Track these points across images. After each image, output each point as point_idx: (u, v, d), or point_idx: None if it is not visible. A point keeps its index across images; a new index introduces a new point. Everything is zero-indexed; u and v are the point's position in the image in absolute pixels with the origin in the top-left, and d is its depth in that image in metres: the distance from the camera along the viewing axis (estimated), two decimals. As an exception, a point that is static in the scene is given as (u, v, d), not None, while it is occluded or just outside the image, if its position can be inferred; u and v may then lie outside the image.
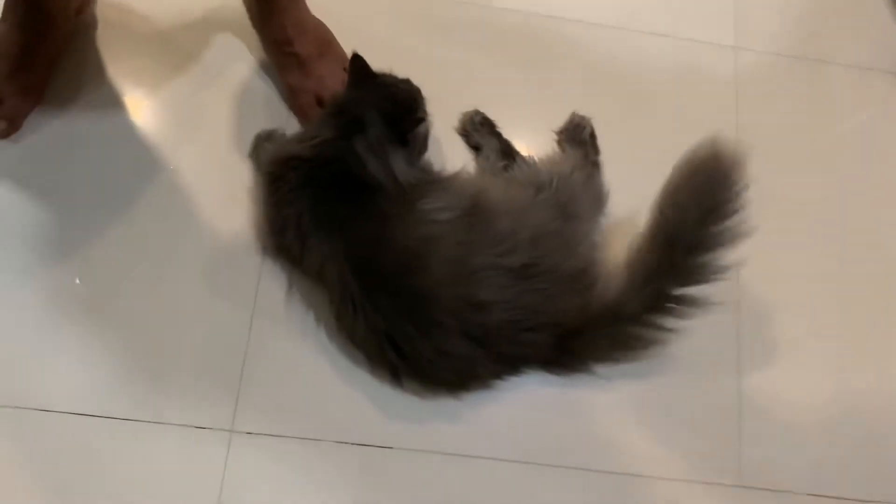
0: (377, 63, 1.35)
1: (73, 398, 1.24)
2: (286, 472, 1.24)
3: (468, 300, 1.18)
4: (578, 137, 1.45)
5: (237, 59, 1.49)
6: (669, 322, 1.23)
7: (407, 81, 1.36)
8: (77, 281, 1.31)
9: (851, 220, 1.53)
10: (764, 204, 1.49)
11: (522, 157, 1.42)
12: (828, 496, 1.33)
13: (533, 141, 1.47)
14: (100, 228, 1.34)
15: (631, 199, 1.44)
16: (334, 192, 1.23)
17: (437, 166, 1.35)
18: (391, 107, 1.28)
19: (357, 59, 1.32)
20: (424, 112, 1.33)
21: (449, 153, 1.44)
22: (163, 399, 1.25)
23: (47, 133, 1.40)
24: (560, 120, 1.49)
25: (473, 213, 1.23)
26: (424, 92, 1.37)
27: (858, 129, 1.62)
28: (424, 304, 1.18)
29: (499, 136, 1.46)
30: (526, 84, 1.55)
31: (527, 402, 1.30)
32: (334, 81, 1.40)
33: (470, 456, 1.27)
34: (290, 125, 1.44)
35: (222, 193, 1.39)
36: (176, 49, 1.49)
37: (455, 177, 1.33)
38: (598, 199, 1.40)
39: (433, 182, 1.29)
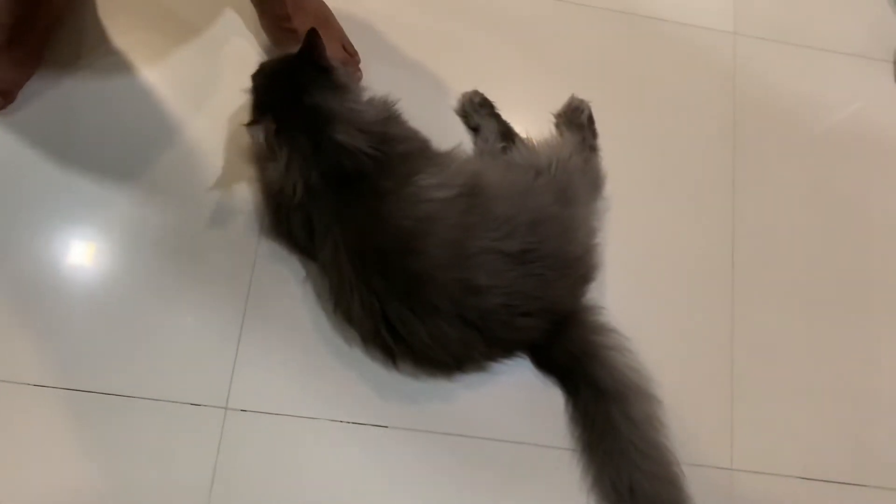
0: (378, 40, 1.36)
1: (69, 374, 1.24)
2: (280, 449, 1.24)
3: (465, 284, 1.18)
4: (576, 121, 1.45)
5: (236, 34, 1.48)
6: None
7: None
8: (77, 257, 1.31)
9: (846, 205, 1.54)
10: (759, 189, 1.51)
11: (521, 140, 1.42)
12: (817, 479, 1.34)
13: (531, 123, 1.47)
14: (95, 205, 1.34)
15: (628, 183, 1.45)
16: (330, 178, 1.22)
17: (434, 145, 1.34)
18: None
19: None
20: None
21: (448, 133, 1.42)
22: (158, 376, 1.25)
23: (42, 106, 1.38)
24: (559, 103, 1.49)
25: (472, 194, 1.22)
26: (424, 71, 1.38)
27: (854, 117, 1.62)
28: (421, 287, 1.18)
29: (498, 117, 1.46)
30: (526, 66, 1.55)
31: (520, 383, 1.31)
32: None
33: (464, 436, 1.28)
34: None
35: (219, 168, 1.38)
36: (175, 21, 1.48)
37: (450, 154, 1.31)
38: (595, 183, 1.40)
39: (427, 157, 1.28)
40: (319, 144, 1.21)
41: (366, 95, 1.29)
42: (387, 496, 1.24)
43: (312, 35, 1.24)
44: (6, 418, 1.21)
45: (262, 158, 1.29)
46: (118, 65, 1.43)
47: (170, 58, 1.45)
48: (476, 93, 1.47)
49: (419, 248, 1.18)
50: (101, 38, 1.44)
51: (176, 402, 1.24)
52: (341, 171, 1.20)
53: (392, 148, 1.23)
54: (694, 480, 1.27)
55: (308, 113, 1.22)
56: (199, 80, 1.44)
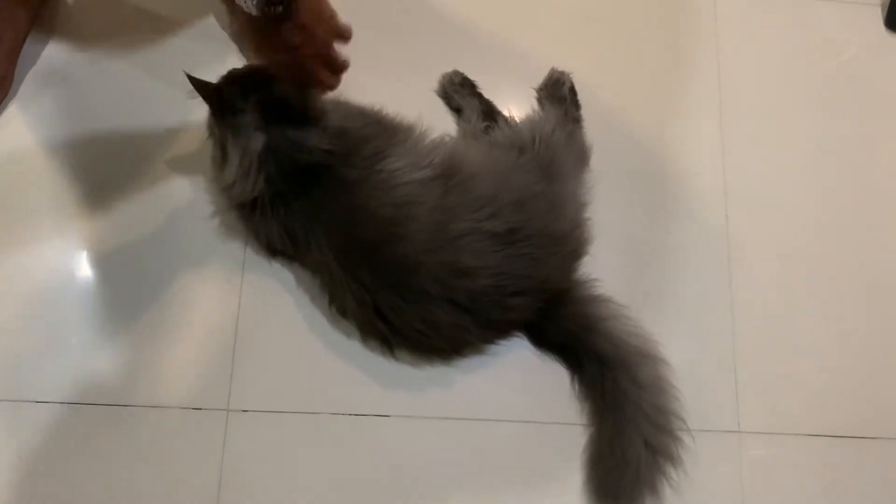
0: (353, 25, 1.36)
1: (68, 388, 1.24)
2: (284, 446, 1.25)
3: (452, 267, 1.17)
4: (558, 94, 1.43)
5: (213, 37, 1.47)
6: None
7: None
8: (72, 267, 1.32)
9: (845, 154, 1.52)
10: (752, 146, 1.49)
11: (504, 118, 1.40)
12: (825, 435, 1.34)
13: (514, 100, 1.45)
14: (85, 214, 1.34)
15: (614, 152, 1.43)
16: (298, 186, 1.21)
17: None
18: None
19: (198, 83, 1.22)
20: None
21: (429, 116, 1.38)
22: (157, 383, 1.26)
23: (20, 126, 1.38)
24: (540, 77, 1.47)
25: (449, 175, 1.21)
26: (402, 53, 1.39)
27: (846, 65, 1.60)
28: (408, 273, 1.17)
29: (480, 96, 1.44)
30: (505, 41, 1.52)
31: (519, 363, 1.31)
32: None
33: (466, 419, 1.28)
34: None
35: (203, 169, 1.36)
36: (150, 23, 1.46)
37: (415, 129, 1.29)
38: (581, 156, 1.38)
39: (391, 135, 1.25)
40: (271, 137, 1.19)
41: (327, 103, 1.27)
42: (393, 484, 1.25)
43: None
44: (9, 436, 1.22)
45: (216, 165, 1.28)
46: (96, 73, 1.42)
47: (147, 61, 1.44)
48: (456, 73, 1.46)
49: (401, 234, 1.17)
50: (74, 50, 1.43)
51: (177, 407, 1.25)
52: (299, 167, 1.19)
53: (350, 136, 1.22)
54: (702, 446, 1.27)
55: (263, 96, 1.20)
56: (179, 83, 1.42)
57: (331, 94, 1.38)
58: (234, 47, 1.45)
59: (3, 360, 1.26)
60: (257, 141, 1.19)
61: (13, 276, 1.30)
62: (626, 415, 1.24)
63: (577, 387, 1.30)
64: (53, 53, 1.43)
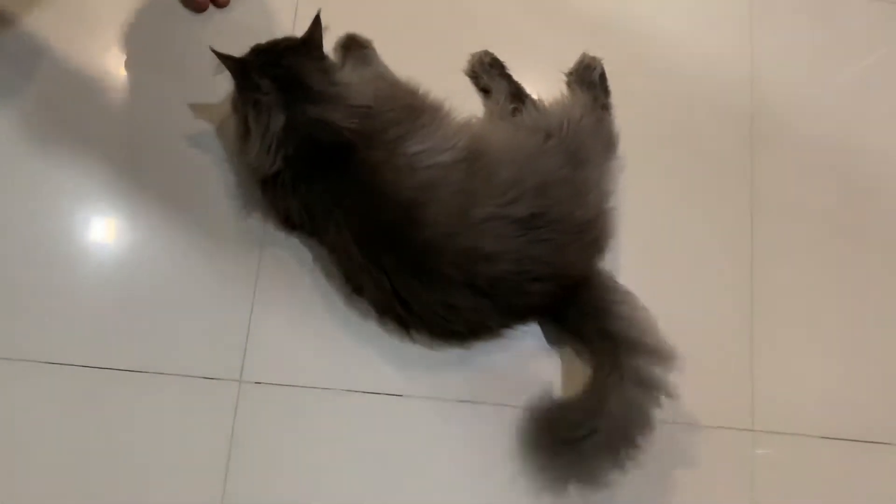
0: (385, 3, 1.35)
1: (84, 351, 1.24)
2: (295, 420, 1.25)
3: (472, 251, 1.16)
4: (588, 79, 1.41)
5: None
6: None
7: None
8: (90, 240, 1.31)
9: (871, 157, 1.50)
10: (780, 141, 1.47)
11: (532, 101, 1.38)
12: (839, 438, 1.33)
13: (543, 83, 1.43)
14: (106, 184, 1.33)
15: (642, 142, 1.42)
16: (320, 165, 1.20)
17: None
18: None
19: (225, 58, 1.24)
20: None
21: (457, 96, 1.36)
22: (172, 351, 1.25)
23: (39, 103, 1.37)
24: (571, 61, 1.46)
25: (472, 159, 1.20)
26: (432, 31, 1.39)
27: (878, 64, 1.58)
28: (428, 257, 1.16)
29: (509, 78, 1.43)
30: (537, 23, 1.51)
31: (535, 349, 1.30)
32: None
33: (478, 402, 1.28)
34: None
35: (225, 142, 1.36)
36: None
37: (440, 110, 1.28)
38: (608, 144, 1.37)
39: (416, 117, 1.24)
40: (292, 115, 1.19)
41: (356, 77, 1.27)
42: (403, 464, 1.24)
43: (316, 21, 1.23)
44: (24, 397, 1.22)
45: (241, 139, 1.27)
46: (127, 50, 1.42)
47: (179, 34, 1.43)
48: (486, 53, 1.44)
49: (422, 217, 1.16)
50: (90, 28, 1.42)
51: (189, 376, 1.24)
52: (321, 145, 1.19)
53: (375, 117, 1.21)
54: (715, 442, 1.27)
55: (284, 72, 1.20)
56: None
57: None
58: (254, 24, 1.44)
59: (19, 321, 1.25)
60: (278, 119, 1.19)
61: (34, 242, 1.29)
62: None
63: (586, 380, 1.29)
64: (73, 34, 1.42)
